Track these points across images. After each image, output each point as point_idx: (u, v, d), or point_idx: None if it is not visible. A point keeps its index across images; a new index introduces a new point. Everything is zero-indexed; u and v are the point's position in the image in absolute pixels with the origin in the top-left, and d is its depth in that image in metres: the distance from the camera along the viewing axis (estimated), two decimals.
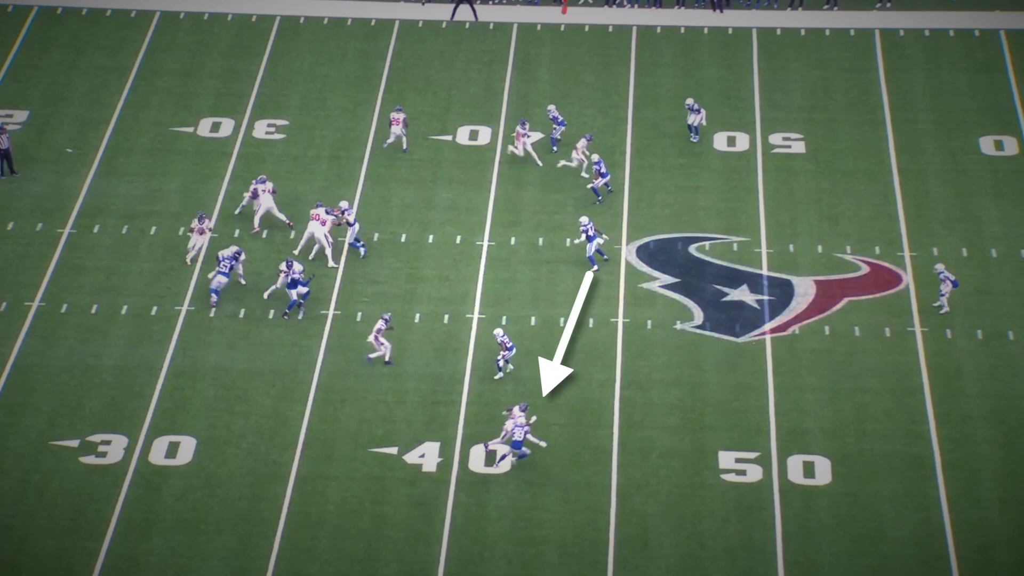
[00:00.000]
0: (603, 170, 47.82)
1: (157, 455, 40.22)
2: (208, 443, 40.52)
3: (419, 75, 53.67)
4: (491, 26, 56.00)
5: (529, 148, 49.10)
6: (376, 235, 46.96)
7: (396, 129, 49.48)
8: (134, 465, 39.89)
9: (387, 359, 42.24)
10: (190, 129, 51.27)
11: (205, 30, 55.63)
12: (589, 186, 48.02)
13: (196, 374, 42.46)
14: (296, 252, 45.73)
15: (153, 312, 44.40)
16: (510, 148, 49.24)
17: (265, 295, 44.41)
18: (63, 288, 45.18)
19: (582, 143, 48.78)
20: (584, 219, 45.44)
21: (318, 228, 45.48)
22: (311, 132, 51.23)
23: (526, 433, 39.18)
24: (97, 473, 39.66)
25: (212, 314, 43.86)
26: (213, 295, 43.99)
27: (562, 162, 48.92)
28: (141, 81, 53.28)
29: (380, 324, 42.12)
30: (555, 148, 49.60)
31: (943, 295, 43.69)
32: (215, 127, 51.41)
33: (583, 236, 45.30)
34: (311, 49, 54.77)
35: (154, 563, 37.53)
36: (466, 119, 51.79)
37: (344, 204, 46.21)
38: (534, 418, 39.73)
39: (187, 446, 40.46)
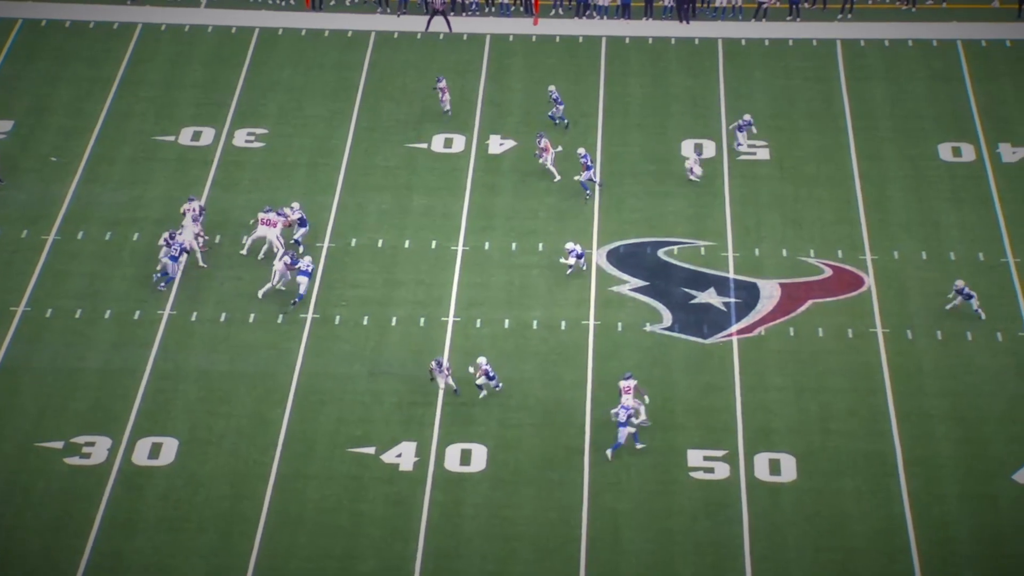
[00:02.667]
0: (588, 163, 47.83)
1: (140, 456, 40.00)
2: (190, 444, 40.33)
3: (395, 85, 53.57)
4: (464, 37, 55.94)
5: (550, 163, 48.82)
6: (353, 240, 46.83)
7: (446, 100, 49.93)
8: (118, 465, 39.66)
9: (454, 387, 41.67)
10: (171, 138, 51.07)
11: (185, 42, 55.43)
12: (576, 178, 47.91)
13: (178, 377, 42.26)
14: (243, 253, 45.52)
15: (136, 316, 44.17)
16: (546, 163, 48.85)
17: (260, 294, 44.23)
18: (48, 293, 44.92)
19: (544, 143, 48.73)
20: (569, 244, 45.12)
21: (269, 231, 45.32)
22: (290, 140, 51.08)
23: (629, 415, 39.39)
24: (82, 473, 39.42)
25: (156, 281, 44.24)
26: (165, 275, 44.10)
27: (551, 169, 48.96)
28: (124, 91, 53.05)
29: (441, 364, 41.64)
30: (558, 123, 50.39)
31: (976, 309, 43.37)
32: (196, 136, 51.21)
33: (571, 258, 45.06)
34: (289, 60, 54.61)
35: (138, 561, 37.33)
36: (441, 127, 51.69)
37: (296, 205, 46.00)
38: (645, 399, 40.29)
39: (169, 447, 40.26)
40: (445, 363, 41.40)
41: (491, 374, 41.27)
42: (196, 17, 56.61)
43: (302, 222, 46.15)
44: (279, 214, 45.66)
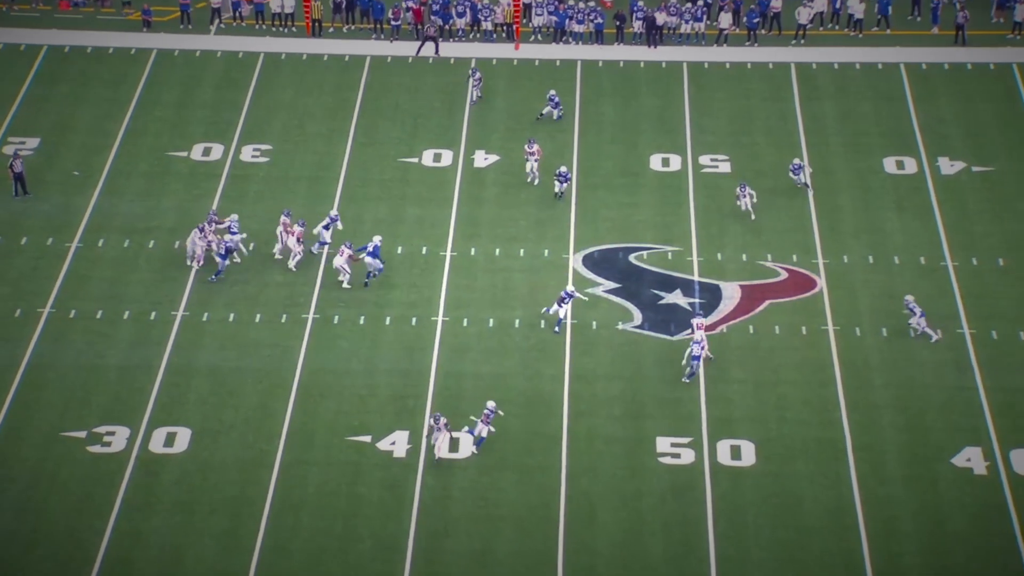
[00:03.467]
0: (563, 178, 47.84)
1: (156, 444, 39.95)
2: (202, 433, 40.28)
3: (388, 104, 53.52)
4: (452, 60, 55.93)
5: (535, 167, 48.85)
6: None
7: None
8: (135, 453, 39.61)
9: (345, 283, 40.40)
10: (184, 153, 50.97)
11: (197, 65, 55.32)
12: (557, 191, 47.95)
13: (191, 372, 42.20)
14: (277, 256, 45.61)
15: (152, 317, 44.11)
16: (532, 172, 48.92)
17: (344, 284, 44.28)
18: (71, 296, 44.84)
19: (535, 148, 48.81)
20: (569, 288, 43.82)
21: (290, 238, 45.28)
22: (292, 156, 51.01)
23: (703, 349, 41.07)
24: (103, 461, 39.37)
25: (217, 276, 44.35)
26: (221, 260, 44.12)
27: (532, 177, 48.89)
28: (140, 111, 52.93)
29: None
30: (548, 117, 51.42)
31: (920, 327, 42.78)
32: (206, 151, 51.13)
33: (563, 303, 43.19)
34: (292, 82, 54.53)
35: (154, 540, 37.29)
36: (430, 143, 51.68)
37: (234, 217, 45.82)
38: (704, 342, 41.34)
39: (183, 436, 40.21)
40: (443, 419, 38.94)
41: (490, 416, 39.22)
42: (206, 43, 56.50)
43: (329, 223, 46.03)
44: (300, 224, 45.46)
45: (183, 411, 40.99)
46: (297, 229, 45.41)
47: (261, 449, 39.80)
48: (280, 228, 45.84)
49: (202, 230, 45.33)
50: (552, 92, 52.21)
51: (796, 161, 48.86)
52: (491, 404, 39.63)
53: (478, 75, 53.06)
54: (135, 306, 44.49)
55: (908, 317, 43.16)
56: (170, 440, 40.08)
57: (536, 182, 48.82)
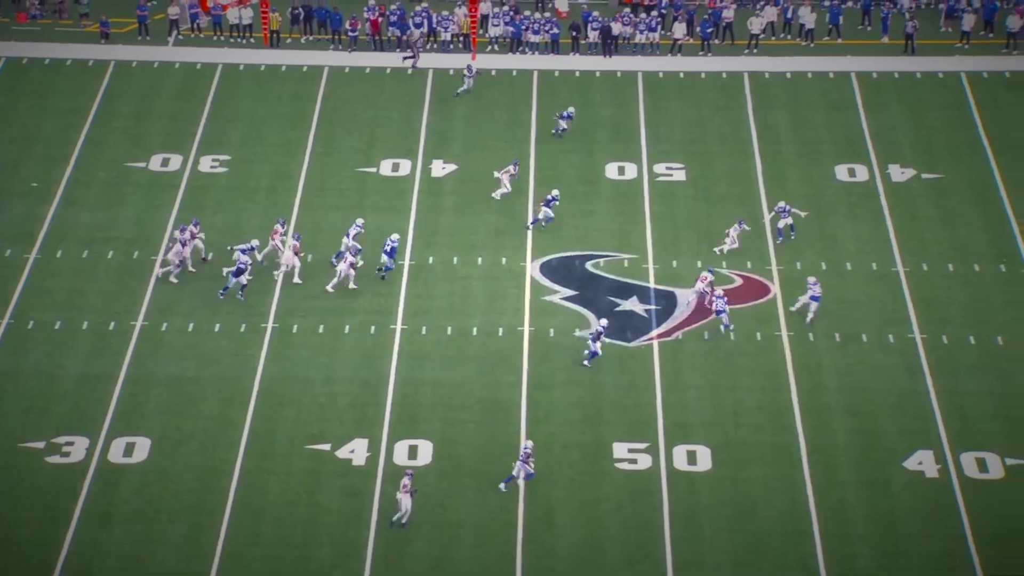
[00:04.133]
0: (550, 203, 47.28)
1: (116, 454, 39.67)
2: (161, 443, 40.02)
3: (346, 115, 53.37)
4: (409, 71, 55.85)
5: (506, 182, 48.62)
6: (310, 256, 46.62)
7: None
8: (95, 463, 39.32)
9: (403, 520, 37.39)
10: (142, 164, 50.69)
11: (155, 77, 55.03)
12: (541, 218, 47.46)
13: (150, 381, 41.93)
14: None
15: (111, 327, 43.81)
16: (502, 188, 48.70)
17: (328, 287, 44.28)
18: (30, 307, 44.48)
19: (512, 169, 48.78)
20: (597, 325, 43.04)
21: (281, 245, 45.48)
22: (250, 166, 50.78)
23: (725, 302, 42.45)
24: (62, 471, 39.05)
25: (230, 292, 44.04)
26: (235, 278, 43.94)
27: (501, 191, 48.76)
28: (98, 122, 52.59)
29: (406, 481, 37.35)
30: (557, 131, 51.52)
31: (807, 307, 43.60)
32: (165, 162, 50.85)
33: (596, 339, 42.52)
34: (250, 93, 54.31)
35: (114, 550, 37.01)
36: (388, 153, 51.57)
37: (255, 242, 45.62)
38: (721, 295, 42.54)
39: (142, 446, 39.94)
40: (409, 483, 37.10)
41: (527, 455, 37.98)
42: (164, 55, 56.22)
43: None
44: (296, 238, 45.39)
45: (142, 421, 40.70)
46: (293, 243, 45.21)
47: (220, 458, 39.55)
48: (277, 238, 45.43)
49: (183, 241, 44.86)
50: (571, 108, 51.85)
51: (782, 204, 47.21)
52: (529, 444, 38.71)
53: (474, 71, 53.15)
54: (94, 316, 44.18)
55: (807, 294, 43.73)
56: (129, 450, 39.79)
57: (508, 192, 48.55)
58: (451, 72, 55.68)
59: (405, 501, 37.41)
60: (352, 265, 44.67)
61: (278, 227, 46.07)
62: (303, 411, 41.09)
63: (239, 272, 44.28)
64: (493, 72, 55.78)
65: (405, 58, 55.53)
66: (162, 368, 42.37)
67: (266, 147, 51.63)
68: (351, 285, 44.78)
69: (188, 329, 43.81)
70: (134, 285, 45.23)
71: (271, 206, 48.75)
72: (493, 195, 48.90)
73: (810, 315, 43.93)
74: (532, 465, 38.46)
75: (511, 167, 49.08)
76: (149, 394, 41.53)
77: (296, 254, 45.29)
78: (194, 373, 42.21)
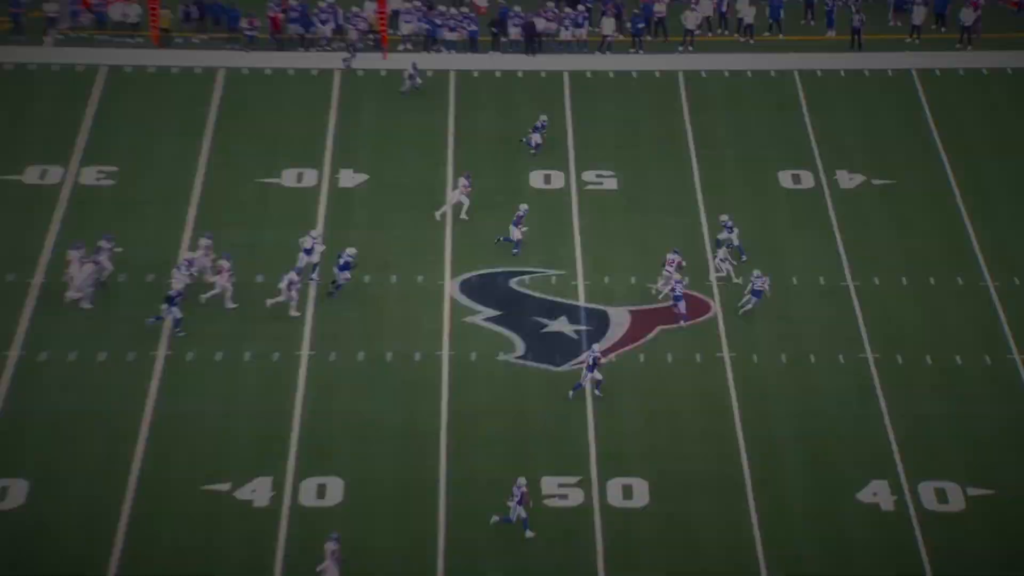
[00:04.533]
0: (520, 220, 46.87)
1: None
2: (40, 485, 38.92)
3: (245, 121, 52.68)
4: (315, 72, 55.20)
5: (463, 197, 47.98)
6: (207, 276, 45.77)
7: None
8: None
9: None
10: (17, 177, 49.64)
11: (31, 80, 54.04)
12: (517, 236, 46.93)
13: (26, 417, 40.85)
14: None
15: None
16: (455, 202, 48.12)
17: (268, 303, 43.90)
18: None
19: (463, 182, 48.16)
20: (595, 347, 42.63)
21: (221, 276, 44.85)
22: (140, 178, 49.92)
23: (681, 285, 43.89)
24: None
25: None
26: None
27: (443, 210, 48.10)
28: None
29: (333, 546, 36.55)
30: (530, 145, 50.99)
31: (749, 300, 44.19)
32: (43, 174, 49.81)
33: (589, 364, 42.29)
34: (138, 97, 53.48)
35: None
36: (292, 162, 50.88)
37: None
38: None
39: (18, 489, 38.84)
40: (337, 548, 36.27)
41: (523, 495, 37.85)
42: (41, 55, 55.27)
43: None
44: (225, 257, 44.67)
45: (18, 461, 39.55)
46: (224, 263, 44.31)
47: (106, 502, 38.48)
48: (200, 253, 44.94)
49: (97, 260, 43.98)
50: (544, 117, 51.24)
51: (724, 218, 46.83)
52: (521, 481, 38.08)
53: (417, 81, 53.05)
54: None
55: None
56: (2, 494, 38.67)
57: (466, 206, 48.00)
58: (359, 73, 55.07)
59: (331, 571, 36.25)
60: (230, 279, 43.67)
61: (206, 240, 45.19)
62: (198, 448, 40.29)
63: (173, 300, 43.13)
64: (406, 73, 55.20)
65: (344, 59, 54.94)
66: (40, 402, 41.32)
67: (157, 157, 50.77)
68: (292, 312, 44.05)
69: (69, 359, 42.79)
70: (7, 311, 44.10)
71: (163, 221, 47.90)
72: (436, 214, 48.23)
73: (747, 306, 43.73)
74: (519, 512, 37.77)
75: (463, 180, 48.32)
76: (24, 431, 40.42)
77: (229, 278, 44.33)
78: (76, 407, 41.21)
